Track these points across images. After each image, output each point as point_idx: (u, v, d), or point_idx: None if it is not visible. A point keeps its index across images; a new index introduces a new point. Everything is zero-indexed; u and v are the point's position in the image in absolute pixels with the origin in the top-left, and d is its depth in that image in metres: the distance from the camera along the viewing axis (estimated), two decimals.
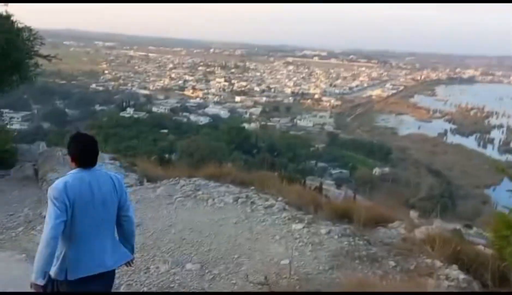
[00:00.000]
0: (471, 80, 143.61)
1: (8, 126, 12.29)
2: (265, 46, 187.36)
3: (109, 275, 3.05)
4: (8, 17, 9.60)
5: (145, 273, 4.90)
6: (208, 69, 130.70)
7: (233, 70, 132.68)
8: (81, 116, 72.92)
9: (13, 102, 58.23)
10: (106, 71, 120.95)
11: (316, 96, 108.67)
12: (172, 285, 4.67)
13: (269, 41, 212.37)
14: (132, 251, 3.22)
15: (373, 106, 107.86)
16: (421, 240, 5.58)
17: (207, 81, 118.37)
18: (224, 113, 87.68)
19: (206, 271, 4.93)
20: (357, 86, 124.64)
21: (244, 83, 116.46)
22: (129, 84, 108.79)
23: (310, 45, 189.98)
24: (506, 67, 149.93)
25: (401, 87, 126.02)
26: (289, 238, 5.67)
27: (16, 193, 8.07)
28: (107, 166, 9.03)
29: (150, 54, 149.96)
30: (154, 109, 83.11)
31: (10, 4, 9.65)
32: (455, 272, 4.78)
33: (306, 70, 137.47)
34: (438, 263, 4.96)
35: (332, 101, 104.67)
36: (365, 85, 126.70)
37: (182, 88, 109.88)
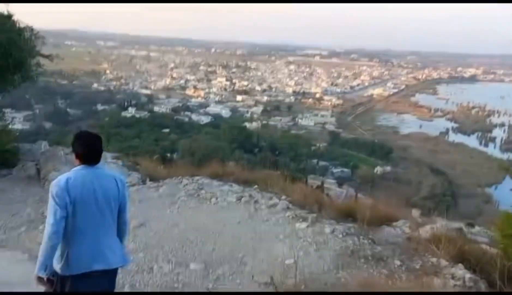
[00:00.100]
0: (472, 79, 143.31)
1: (10, 126, 12.24)
2: (266, 45, 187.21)
3: (112, 273, 3.07)
4: (9, 16, 9.58)
5: (149, 273, 4.86)
6: (209, 69, 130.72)
7: (234, 69, 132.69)
8: (83, 116, 73.07)
9: (15, 102, 58.42)
10: (107, 71, 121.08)
11: (318, 95, 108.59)
12: (176, 285, 4.64)
13: (270, 41, 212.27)
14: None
15: (375, 105, 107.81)
16: (426, 239, 5.54)
17: (209, 80, 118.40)
18: (225, 112, 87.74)
19: (210, 271, 4.90)
20: (358, 85, 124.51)
21: (245, 83, 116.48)
22: (131, 84, 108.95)
23: (311, 44, 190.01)
24: (507, 66, 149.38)
25: (403, 86, 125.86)
26: (293, 237, 5.64)
27: (19, 192, 8.04)
28: (109, 165, 9.01)
29: (152, 54, 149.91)
30: (156, 109, 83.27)
31: (11, 4, 9.63)
32: (461, 271, 4.74)
33: (307, 69, 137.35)
34: (443, 262, 4.92)
35: (334, 100, 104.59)
36: (367, 84, 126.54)
37: (184, 88, 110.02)
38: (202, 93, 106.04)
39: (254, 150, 55.62)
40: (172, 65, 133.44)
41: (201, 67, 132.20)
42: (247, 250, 5.33)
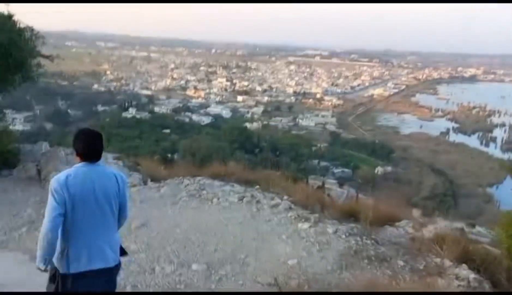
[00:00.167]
0: (473, 79, 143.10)
1: (10, 126, 12.22)
2: (266, 46, 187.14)
3: (112, 272, 3.04)
4: (10, 16, 9.55)
5: (151, 274, 4.83)
6: (210, 69, 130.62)
7: (234, 70, 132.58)
8: (83, 116, 73.00)
9: (16, 103, 58.42)
10: (108, 72, 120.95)
11: (318, 95, 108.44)
12: (178, 286, 4.61)
13: (271, 41, 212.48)
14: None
15: (375, 105, 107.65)
16: (430, 239, 5.51)
17: (209, 81, 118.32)
18: (226, 113, 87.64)
19: (213, 271, 4.86)
20: (359, 85, 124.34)
21: (246, 83, 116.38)
22: (131, 85, 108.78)
23: (311, 45, 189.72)
24: (508, 66, 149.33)
25: (403, 86, 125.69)
26: (296, 238, 5.61)
27: (19, 193, 8.02)
28: (110, 165, 8.97)
29: (152, 55, 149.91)
30: (156, 109, 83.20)
31: (11, 4, 9.60)
32: (465, 271, 4.72)
33: (308, 69, 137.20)
34: (447, 263, 4.89)
35: (334, 100, 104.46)
36: (367, 84, 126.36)
37: (184, 89, 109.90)
38: (202, 93, 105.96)
39: (254, 150, 55.57)
40: (172, 65, 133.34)
41: (202, 68, 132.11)
42: (249, 251, 5.30)
